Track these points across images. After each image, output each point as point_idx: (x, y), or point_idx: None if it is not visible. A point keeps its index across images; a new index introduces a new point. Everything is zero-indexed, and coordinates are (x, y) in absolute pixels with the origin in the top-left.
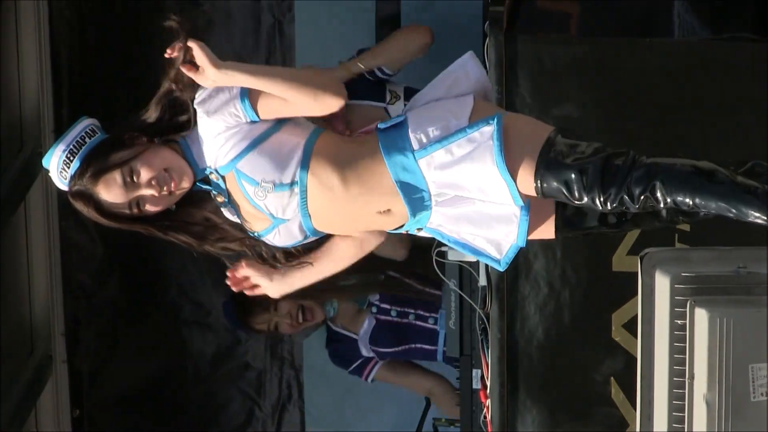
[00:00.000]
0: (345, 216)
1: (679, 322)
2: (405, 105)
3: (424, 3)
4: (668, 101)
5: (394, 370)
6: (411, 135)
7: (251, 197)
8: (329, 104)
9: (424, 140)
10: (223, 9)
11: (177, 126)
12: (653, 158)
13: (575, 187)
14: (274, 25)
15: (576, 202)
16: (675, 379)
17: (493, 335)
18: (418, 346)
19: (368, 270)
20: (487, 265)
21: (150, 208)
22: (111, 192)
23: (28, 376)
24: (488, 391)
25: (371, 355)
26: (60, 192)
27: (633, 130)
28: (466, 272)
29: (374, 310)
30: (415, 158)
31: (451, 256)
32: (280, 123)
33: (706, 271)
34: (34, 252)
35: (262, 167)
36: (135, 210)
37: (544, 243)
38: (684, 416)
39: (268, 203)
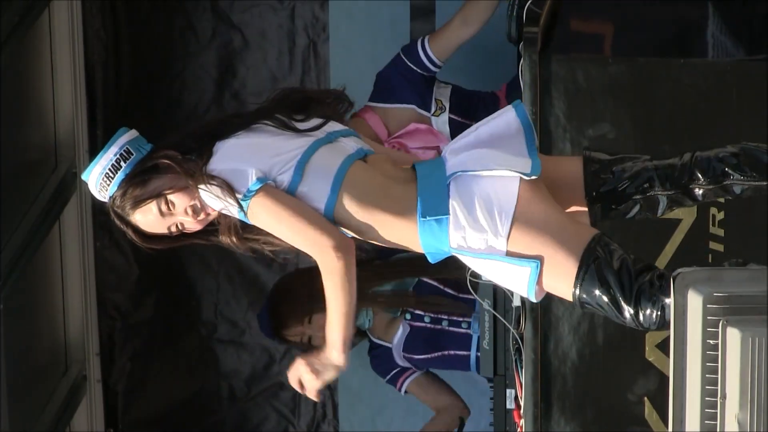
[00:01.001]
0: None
1: (711, 342)
2: (449, 118)
3: None
4: (702, 121)
5: (426, 388)
6: (451, 234)
7: None
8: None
9: (463, 245)
10: (258, 29)
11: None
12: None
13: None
14: (309, 45)
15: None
16: (707, 398)
17: (527, 355)
18: (452, 353)
19: (401, 274)
20: None
21: (190, 228)
22: (148, 221)
23: (62, 395)
24: (522, 411)
25: (406, 365)
26: (95, 213)
27: (667, 150)
28: (500, 292)
29: (408, 317)
30: (449, 252)
31: (485, 276)
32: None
33: (739, 291)
34: (69, 272)
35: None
36: (174, 230)
37: None
38: None
39: None
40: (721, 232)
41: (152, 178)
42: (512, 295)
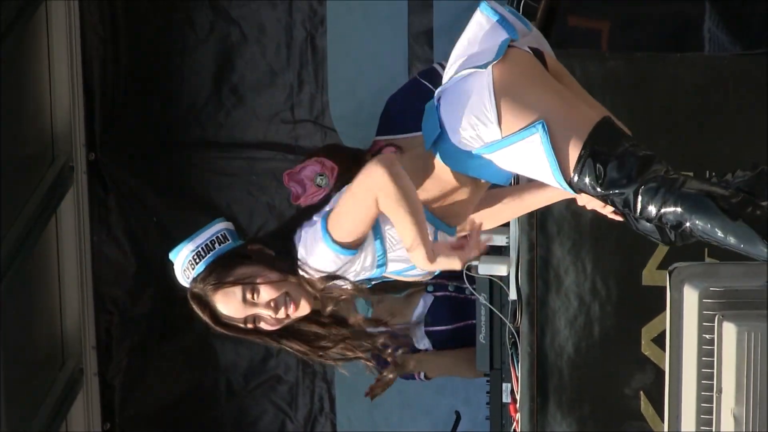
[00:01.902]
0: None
1: (707, 336)
2: None
3: (456, 17)
4: (700, 116)
5: (440, 364)
6: (456, 144)
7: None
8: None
9: (473, 146)
10: (256, 23)
11: None
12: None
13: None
14: (307, 38)
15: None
16: (703, 393)
17: (523, 349)
18: (474, 321)
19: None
20: (517, 279)
21: (265, 326)
22: (229, 305)
23: (59, 389)
24: (518, 405)
25: (423, 345)
26: (92, 206)
27: (665, 144)
28: (496, 286)
29: (430, 288)
30: (473, 153)
31: (482, 270)
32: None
33: (735, 286)
34: (66, 266)
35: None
36: (250, 325)
37: (574, 257)
38: (712, 430)
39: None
40: None
41: (242, 265)
42: (508, 289)
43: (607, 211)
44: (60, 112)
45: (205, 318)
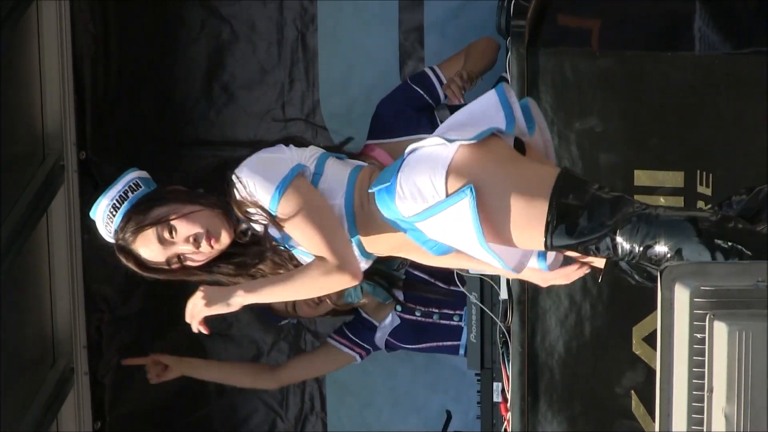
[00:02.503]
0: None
1: (698, 335)
2: None
3: (447, 15)
4: (690, 115)
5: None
6: (396, 203)
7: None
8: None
9: (408, 212)
10: (247, 21)
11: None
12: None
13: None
14: (298, 37)
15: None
16: (694, 392)
17: (514, 348)
18: (441, 344)
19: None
20: (508, 279)
21: (191, 262)
22: (149, 249)
23: (49, 388)
24: (509, 404)
25: (380, 346)
26: (83, 205)
27: (655, 143)
28: (487, 285)
29: (399, 308)
30: (405, 218)
31: (473, 269)
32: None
33: (726, 285)
34: (56, 264)
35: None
36: (176, 264)
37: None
38: (703, 429)
39: None
40: None
41: (156, 206)
42: (499, 288)
43: (577, 275)
44: (51, 110)
45: (132, 267)
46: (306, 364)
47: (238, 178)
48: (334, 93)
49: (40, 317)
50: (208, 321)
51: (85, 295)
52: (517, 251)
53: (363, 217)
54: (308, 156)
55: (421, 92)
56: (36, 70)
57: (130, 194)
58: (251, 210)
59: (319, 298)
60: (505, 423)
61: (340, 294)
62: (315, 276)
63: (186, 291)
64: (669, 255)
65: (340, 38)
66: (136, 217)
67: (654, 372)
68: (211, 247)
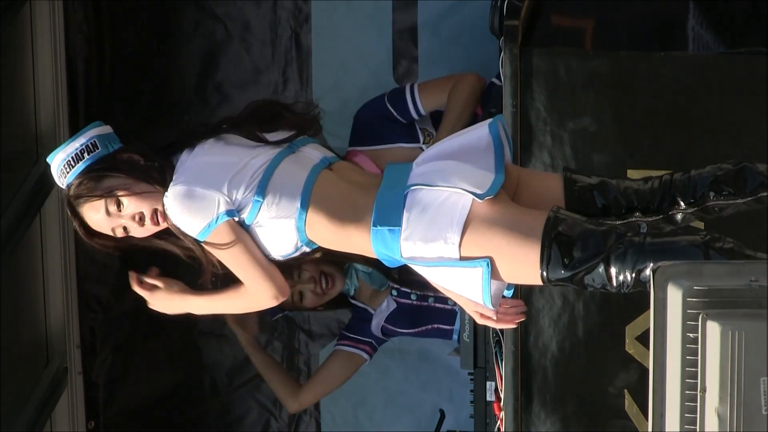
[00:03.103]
0: (340, 244)
1: (691, 335)
2: None
3: (440, 14)
4: (683, 115)
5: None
6: (402, 244)
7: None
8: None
9: (413, 255)
10: (241, 21)
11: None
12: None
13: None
14: (291, 36)
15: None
16: (687, 392)
17: (507, 348)
18: (435, 326)
19: None
20: None
21: (135, 235)
22: (94, 217)
23: (43, 388)
24: (502, 403)
25: (379, 335)
26: None
27: (648, 143)
28: None
29: (394, 293)
30: (402, 261)
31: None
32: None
33: (719, 285)
34: (50, 264)
35: (265, 248)
36: (120, 234)
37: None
38: (696, 429)
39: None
40: (701, 226)
41: (108, 176)
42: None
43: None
44: (44, 110)
45: (77, 227)
46: (321, 377)
47: (165, 208)
48: (327, 92)
49: (34, 317)
50: (202, 321)
51: (78, 294)
52: (499, 288)
53: (320, 224)
54: (252, 171)
55: (393, 112)
56: (29, 70)
57: (86, 154)
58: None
59: (321, 288)
60: (499, 422)
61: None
62: (240, 299)
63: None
64: None
65: (334, 38)
66: (88, 183)
67: (647, 371)
68: (157, 224)
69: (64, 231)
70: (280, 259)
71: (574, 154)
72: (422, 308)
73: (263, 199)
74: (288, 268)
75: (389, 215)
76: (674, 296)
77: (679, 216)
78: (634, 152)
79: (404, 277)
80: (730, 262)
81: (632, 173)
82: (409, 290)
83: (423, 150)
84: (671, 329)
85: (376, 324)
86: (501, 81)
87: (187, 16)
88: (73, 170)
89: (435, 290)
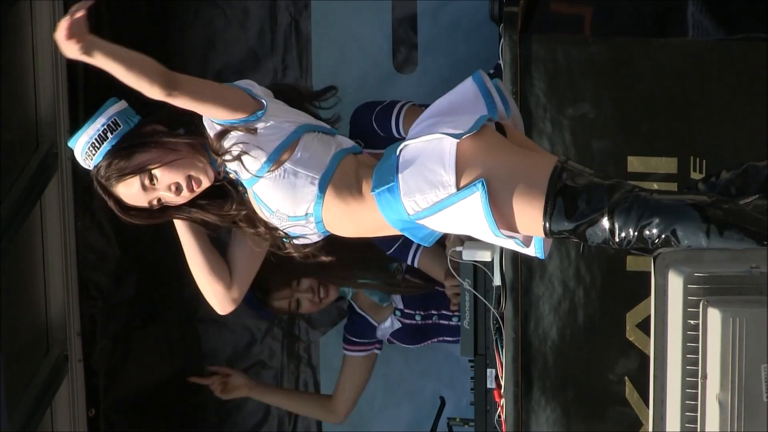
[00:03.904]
0: (357, 225)
1: (692, 322)
2: None
3: (440, 2)
4: (683, 101)
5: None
6: (403, 200)
7: (267, 216)
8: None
9: (417, 208)
10: (240, 8)
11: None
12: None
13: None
14: (291, 23)
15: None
16: (688, 379)
17: (508, 335)
18: (440, 339)
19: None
20: (501, 265)
21: (172, 203)
22: (130, 194)
23: (43, 375)
24: (502, 390)
25: (384, 340)
26: (76, 192)
27: (648, 129)
28: (480, 272)
29: (398, 314)
30: (412, 219)
31: (466, 256)
32: (298, 142)
33: (719, 272)
34: (50, 252)
35: (277, 199)
36: (156, 204)
37: (558, 242)
38: (697, 416)
39: (284, 225)
40: None
41: (137, 152)
42: (493, 275)
43: None
44: (44, 98)
45: (113, 206)
46: (348, 384)
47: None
48: (327, 79)
49: (34, 305)
50: (202, 309)
51: (78, 282)
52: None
53: (336, 202)
54: (287, 121)
55: (376, 128)
56: (29, 58)
57: (109, 134)
58: (225, 143)
59: (319, 297)
60: (499, 409)
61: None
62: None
63: (178, 277)
64: (663, 236)
65: (333, 25)
66: (118, 162)
67: (648, 358)
68: (192, 191)
69: (65, 218)
70: (288, 221)
71: (574, 140)
72: (427, 326)
73: (299, 137)
74: (287, 277)
75: (385, 177)
76: (675, 283)
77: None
78: (634, 138)
79: (408, 298)
80: (731, 249)
81: (632, 159)
82: (413, 311)
83: None
84: (672, 316)
85: (381, 335)
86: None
87: (186, 2)
88: (99, 151)
89: (438, 307)
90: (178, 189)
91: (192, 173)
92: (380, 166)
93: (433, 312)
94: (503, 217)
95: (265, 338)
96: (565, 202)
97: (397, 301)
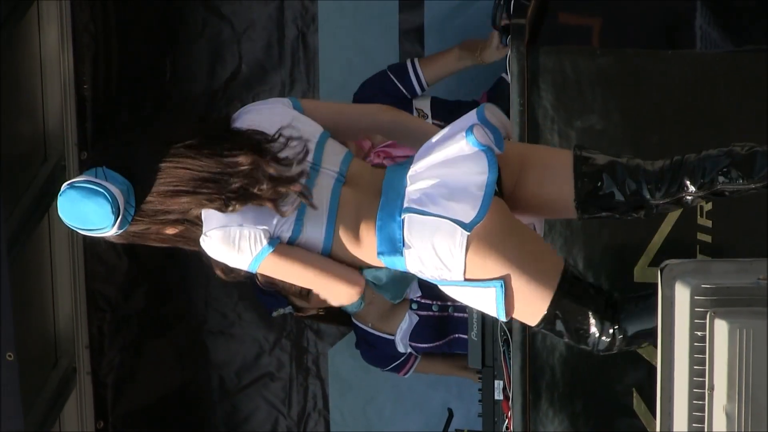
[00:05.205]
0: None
1: (699, 333)
2: (432, 123)
3: (447, 15)
4: (691, 112)
5: (433, 360)
6: (410, 269)
7: None
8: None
9: (424, 276)
10: (248, 20)
11: None
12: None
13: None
14: (298, 37)
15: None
16: (695, 390)
17: (515, 346)
18: (458, 336)
19: None
20: None
21: None
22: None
23: (52, 387)
24: (510, 402)
25: (409, 350)
26: None
27: (656, 141)
28: None
29: (414, 306)
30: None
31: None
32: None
33: (726, 283)
34: (58, 264)
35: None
36: None
37: (566, 254)
38: (704, 427)
39: None
40: (709, 224)
41: (139, 240)
42: None
43: None
44: (52, 110)
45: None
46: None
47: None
48: (334, 92)
49: (42, 317)
50: (210, 320)
51: (86, 294)
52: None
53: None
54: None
55: (397, 83)
56: (37, 70)
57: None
58: None
59: None
60: (507, 421)
61: None
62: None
63: (186, 289)
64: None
65: (341, 38)
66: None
67: (655, 370)
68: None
69: (73, 231)
70: None
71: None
72: (444, 318)
73: (300, 231)
74: None
75: (391, 246)
76: (682, 294)
77: (689, 199)
78: (642, 150)
79: (425, 289)
80: (738, 260)
81: None
82: (430, 301)
83: None
84: (679, 327)
85: (402, 344)
86: (509, 77)
87: (194, 15)
88: (115, 225)
89: (453, 299)
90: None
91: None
92: (383, 224)
93: (449, 303)
94: (509, 306)
95: (273, 350)
96: (563, 325)
97: (415, 289)
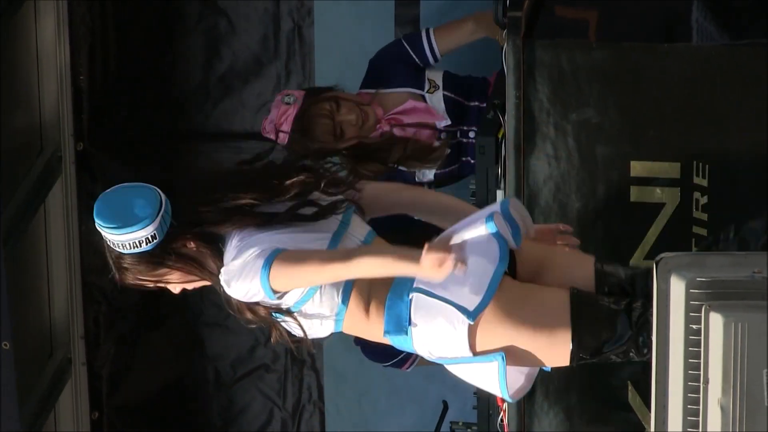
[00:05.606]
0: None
1: (694, 326)
2: (443, 95)
3: (443, 7)
4: (687, 106)
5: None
6: (416, 348)
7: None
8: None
9: (430, 355)
10: (244, 13)
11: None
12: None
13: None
14: (294, 29)
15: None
16: (690, 383)
17: None
18: (467, 159)
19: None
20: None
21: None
22: (136, 279)
23: (47, 378)
24: None
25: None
26: (80, 196)
27: (652, 135)
28: None
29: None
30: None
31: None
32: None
33: (722, 276)
34: (54, 255)
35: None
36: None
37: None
38: (698, 421)
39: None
40: (704, 217)
41: (163, 266)
42: None
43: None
44: (48, 102)
45: (116, 274)
46: None
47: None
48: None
49: (38, 308)
50: (206, 313)
51: (82, 286)
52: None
53: (350, 322)
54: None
55: (411, 52)
56: (34, 62)
57: (145, 245)
58: None
59: (362, 119)
60: (502, 414)
61: None
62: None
63: None
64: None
65: (337, 31)
66: (145, 266)
67: (650, 363)
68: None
69: (68, 222)
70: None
71: (578, 146)
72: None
73: (313, 294)
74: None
75: (398, 325)
76: (677, 288)
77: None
78: (638, 144)
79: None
80: (733, 253)
81: (635, 164)
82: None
83: (426, 98)
84: (674, 321)
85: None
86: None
87: (190, 8)
88: (130, 250)
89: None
90: (185, 289)
91: (197, 286)
92: (392, 304)
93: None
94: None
95: (268, 341)
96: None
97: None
